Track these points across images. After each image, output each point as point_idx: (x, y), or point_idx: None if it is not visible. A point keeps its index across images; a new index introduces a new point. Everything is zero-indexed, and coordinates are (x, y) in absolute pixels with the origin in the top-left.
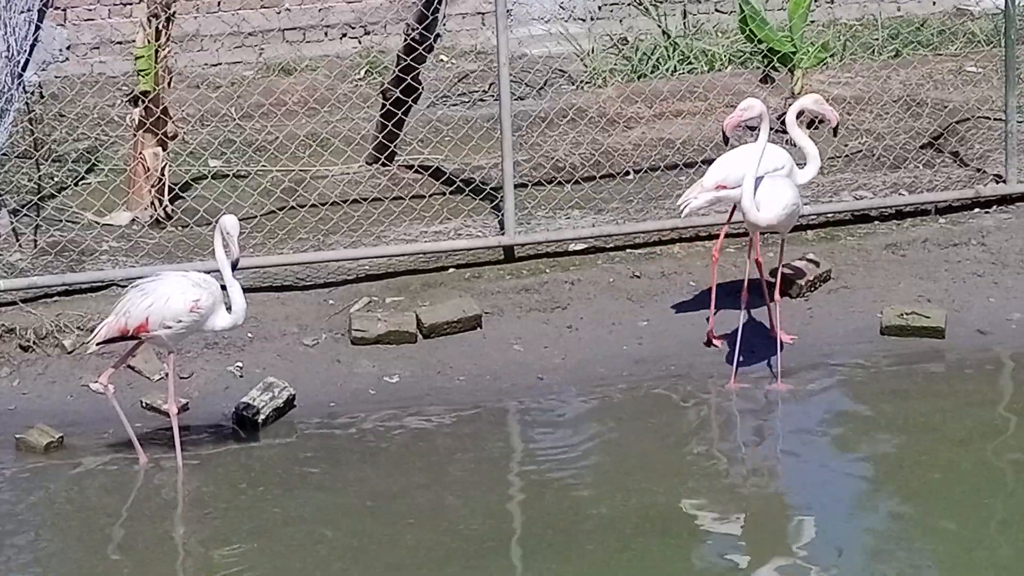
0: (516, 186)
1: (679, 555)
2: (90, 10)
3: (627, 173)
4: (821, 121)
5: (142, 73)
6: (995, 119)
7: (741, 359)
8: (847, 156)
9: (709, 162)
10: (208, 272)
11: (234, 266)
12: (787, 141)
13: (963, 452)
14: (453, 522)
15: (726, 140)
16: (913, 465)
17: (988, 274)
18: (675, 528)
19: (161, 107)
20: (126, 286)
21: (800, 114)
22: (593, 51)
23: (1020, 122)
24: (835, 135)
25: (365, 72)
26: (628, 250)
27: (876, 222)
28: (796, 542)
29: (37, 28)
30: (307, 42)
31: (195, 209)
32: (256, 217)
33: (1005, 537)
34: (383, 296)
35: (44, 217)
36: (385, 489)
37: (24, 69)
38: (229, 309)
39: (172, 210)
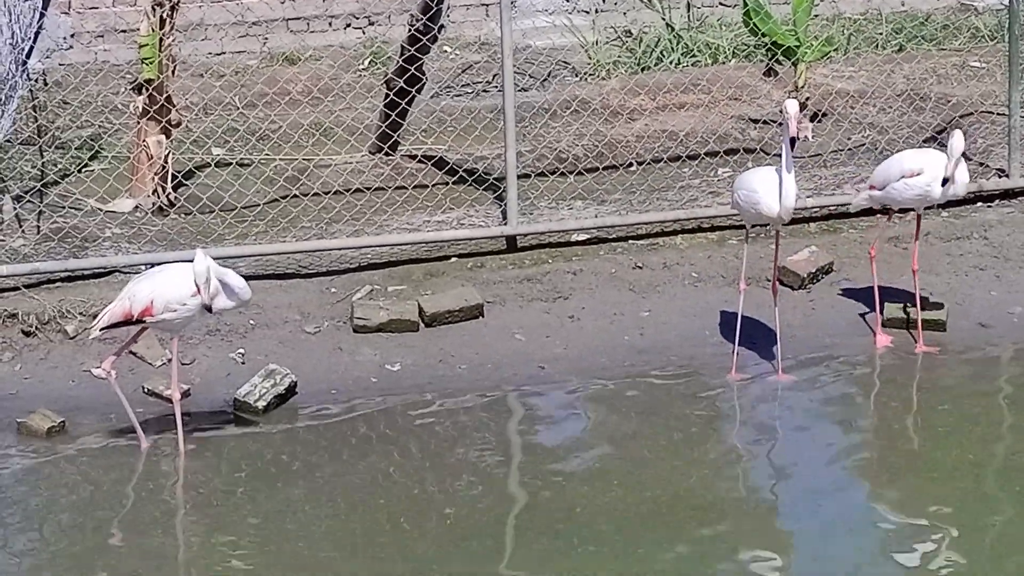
0: (519, 176)
1: (679, 547)
2: None
3: (630, 165)
4: (825, 114)
5: (146, 61)
6: (998, 114)
7: (742, 350)
8: (850, 149)
9: (712, 154)
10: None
11: (209, 310)
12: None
13: (965, 445)
14: (453, 510)
15: (792, 143)
16: (914, 459)
17: (990, 268)
18: (675, 519)
19: (165, 95)
20: (129, 272)
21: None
22: (597, 43)
23: (1023, 117)
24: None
25: (369, 62)
26: (630, 241)
27: (879, 215)
28: (796, 535)
29: (41, 16)
30: (311, 31)
31: (198, 197)
32: (259, 205)
33: (1006, 531)
34: (385, 285)
35: (47, 203)
36: (385, 477)
37: (28, 56)
38: None
39: (175, 197)
